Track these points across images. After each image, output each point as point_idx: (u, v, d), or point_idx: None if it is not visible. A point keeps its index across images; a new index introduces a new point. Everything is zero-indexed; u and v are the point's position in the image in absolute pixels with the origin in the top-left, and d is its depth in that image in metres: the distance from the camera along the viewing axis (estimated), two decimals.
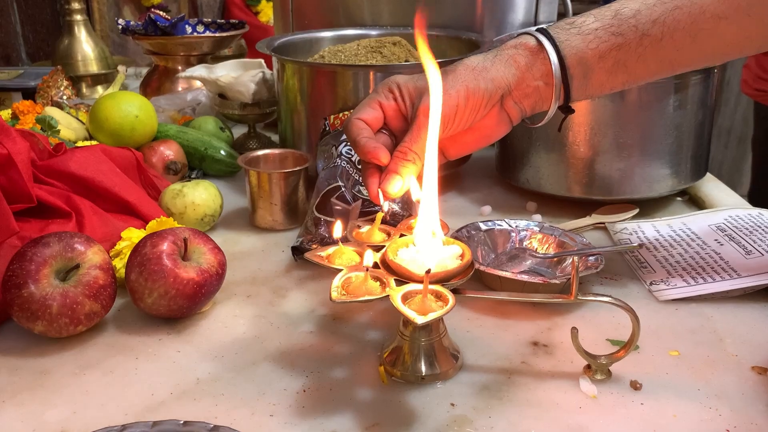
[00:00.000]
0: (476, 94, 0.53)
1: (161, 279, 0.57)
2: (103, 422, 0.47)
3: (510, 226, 0.72)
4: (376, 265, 0.51)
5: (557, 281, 0.61)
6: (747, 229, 0.74)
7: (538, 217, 0.82)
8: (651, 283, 0.67)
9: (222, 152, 0.95)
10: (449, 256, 0.51)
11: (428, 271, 0.46)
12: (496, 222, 0.73)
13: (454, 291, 0.51)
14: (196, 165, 0.95)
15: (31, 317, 0.54)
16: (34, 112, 0.98)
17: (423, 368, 0.53)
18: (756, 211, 0.78)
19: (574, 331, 0.52)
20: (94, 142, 0.89)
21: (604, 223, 0.80)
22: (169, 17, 1.11)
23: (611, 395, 0.51)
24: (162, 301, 0.58)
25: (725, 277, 0.65)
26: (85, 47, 1.41)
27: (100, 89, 1.43)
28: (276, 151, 0.83)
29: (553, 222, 0.80)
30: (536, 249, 0.70)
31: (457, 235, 0.70)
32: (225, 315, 0.62)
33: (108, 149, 0.75)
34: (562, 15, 1.09)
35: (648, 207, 0.84)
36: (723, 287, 0.64)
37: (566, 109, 0.58)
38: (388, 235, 0.56)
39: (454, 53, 0.97)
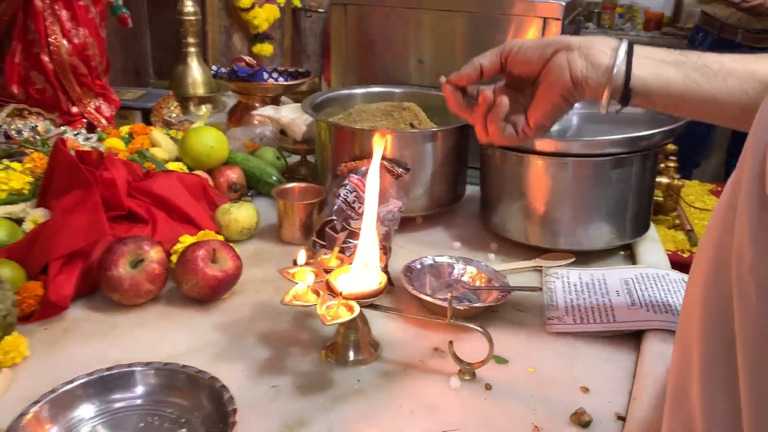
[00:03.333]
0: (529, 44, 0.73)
1: (194, 274, 0.86)
2: (147, 358, 0.76)
3: (452, 261, 0.96)
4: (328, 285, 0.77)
5: (461, 307, 0.85)
6: (647, 285, 0.93)
7: (492, 256, 1.05)
8: (548, 318, 0.88)
9: (273, 177, 1.24)
10: (373, 282, 0.77)
11: (341, 293, 0.72)
12: (445, 257, 0.97)
13: (371, 306, 0.77)
14: (253, 186, 1.25)
15: (111, 289, 0.85)
16: (144, 133, 1.32)
17: (350, 355, 0.79)
18: (664, 272, 0.97)
19: (450, 342, 0.76)
20: (180, 164, 1.21)
21: (541, 267, 1.01)
22: (251, 66, 1.43)
23: (467, 390, 0.74)
24: (194, 289, 0.87)
25: (604, 320, 0.86)
26: (195, 73, 1.76)
27: (203, 108, 1.77)
28: (302, 185, 1.11)
29: (505, 261, 1.03)
30: (467, 281, 0.94)
31: (411, 265, 0.94)
32: (237, 302, 0.90)
33: (182, 176, 1.06)
34: None
35: (591, 257, 1.04)
36: (597, 328, 0.85)
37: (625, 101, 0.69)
38: (342, 261, 0.82)
39: None
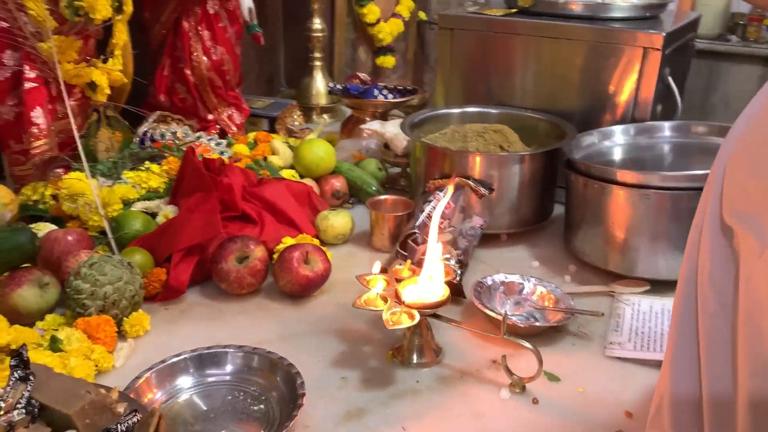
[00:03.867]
0: None
1: (289, 273, 0.99)
2: (244, 342, 0.90)
3: (523, 279, 1.02)
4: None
5: (521, 324, 0.91)
6: None
7: (568, 278, 1.09)
8: (610, 342, 0.92)
9: (373, 188, 1.35)
10: (436, 293, 0.85)
11: (403, 302, 0.81)
12: (516, 276, 1.03)
13: (434, 315, 0.85)
14: (355, 194, 1.36)
15: (220, 280, 1.00)
16: (266, 141, 1.48)
17: (414, 358, 0.88)
18: None
19: (503, 356, 0.83)
20: (293, 171, 1.35)
21: (614, 292, 1.04)
22: (365, 83, 1.55)
23: (515, 402, 0.81)
24: (288, 285, 1.00)
25: (664, 349, 0.88)
26: (319, 85, 1.92)
27: (325, 117, 1.93)
28: (394, 197, 1.21)
29: (582, 284, 1.07)
30: (535, 300, 0.99)
31: (483, 280, 1.01)
32: (324, 300, 1.02)
33: (290, 184, 1.20)
34: None
35: (667, 287, 1.05)
36: (655, 356, 0.87)
37: None
38: (413, 273, 0.91)
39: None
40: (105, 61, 1.22)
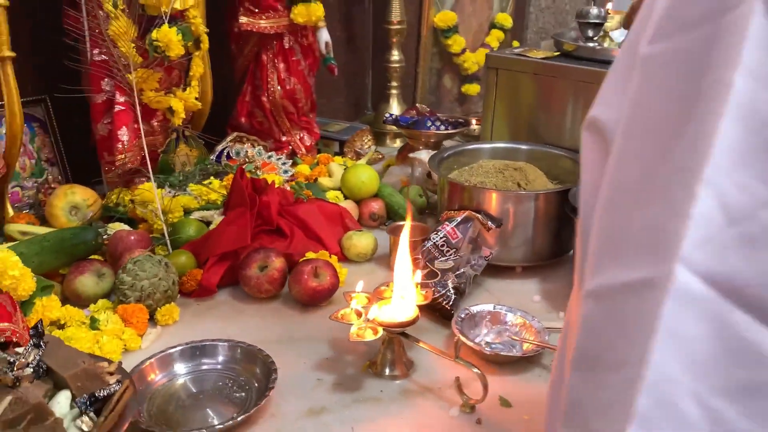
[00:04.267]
0: None
1: (299, 283, 1.13)
2: (249, 340, 1.05)
3: (508, 311, 1.08)
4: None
5: (487, 351, 0.99)
6: None
7: (562, 314, 1.14)
8: None
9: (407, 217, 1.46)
10: (406, 314, 0.95)
11: (367, 318, 0.92)
12: (504, 307, 1.09)
13: (402, 334, 0.96)
14: (392, 218, 1.48)
15: (244, 284, 1.16)
16: (325, 164, 1.64)
17: (386, 371, 0.98)
18: None
19: (457, 378, 0.92)
20: (338, 192, 1.50)
21: None
22: (422, 114, 1.66)
23: (461, 420, 0.89)
24: (298, 294, 1.14)
25: None
26: (394, 111, 2.05)
27: (398, 142, 2.06)
28: (414, 223, 1.31)
29: None
30: (516, 331, 1.06)
31: (472, 308, 1.09)
32: (329, 310, 1.14)
33: (323, 205, 1.35)
34: None
35: None
36: None
37: None
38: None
39: None
40: (184, 90, 1.43)
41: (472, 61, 2.39)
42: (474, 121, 1.82)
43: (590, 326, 0.46)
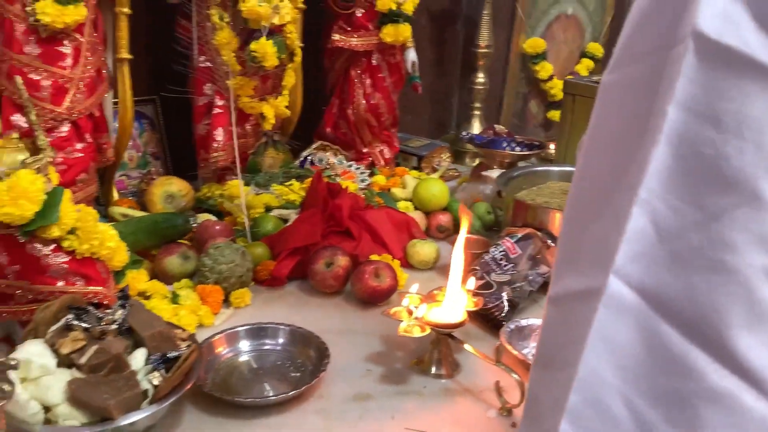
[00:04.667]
0: None
1: (360, 282, 1.21)
2: (310, 328, 1.13)
3: None
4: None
5: (530, 361, 1.02)
6: None
7: None
8: None
9: (474, 228, 1.51)
10: (454, 318, 1.01)
11: (416, 316, 0.99)
12: None
13: (449, 335, 1.01)
14: (458, 231, 1.53)
15: (311, 278, 1.25)
16: (400, 176, 1.72)
17: (432, 369, 1.04)
18: None
19: (498, 382, 0.96)
20: (409, 203, 1.57)
21: None
22: (499, 134, 1.72)
23: (497, 422, 0.93)
24: (358, 292, 1.22)
25: None
26: (474, 131, 2.11)
27: (476, 161, 2.11)
28: (477, 237, 1.37)
29: None
30: None
31: (523, 321, 1.13)
32: (385, 307, 1.22)
33: (391, 212, 1.42)
34: None
35: None
36: None
37: None
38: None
39: None
40: (276, 98, 1.56)
41: (559, 88, 2.41)
42: (551, 145, 1.85)
43: (548, 329, 0.50)
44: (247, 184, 1.51)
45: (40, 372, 0.78)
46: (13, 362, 0.65)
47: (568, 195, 0.51)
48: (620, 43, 0.47)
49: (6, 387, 0.62)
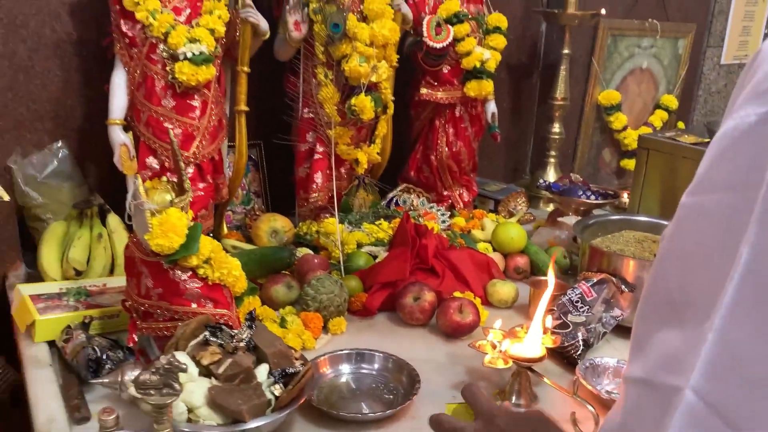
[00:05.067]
0: None
1: (444, 316, 1.33)
2: (399, 356, 1.25)
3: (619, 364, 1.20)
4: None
5: (605, 396, 1.11)
6: None
7: None
8: None
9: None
10: (534, 352, 1.11)
11: (500, 350, 1.10)
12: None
13: (529, 369, 1.12)
14: (535, 273, 1.64)
15: (399, 310, 1.38)
16: (479, 218, 1.84)
17: (513, 399, 1.15)
18: None
19: (573, 413, 1.06)
20: (488, 245, 1.69)
21: None
22: (575, 183, 1.82)
23: None
24: (443, 326, 1.34)
25: None
26: (549, 179, 2.22)
27: (550, 206, 2.21)
28: (553, 278, 1.46)
29: None
30: None
31: (597, 359, 1.22)
32: (468, 341, 1.33)
33: (473, 253, 1.54)
34: None
35: None
36: None
37: None
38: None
39: None
40: (369, 145, 1.72)
41: (633, 138, 2.49)
42: (625, 194, 1.94)
43: (622, 405, 0.55)
44: (341, 222, 1.67)
45: (187, 378, 0.94)
46: (183, 366, 0.81)
47: (644, 287, 0.56)
48: (701, 168, 0.51)
49: (176, 385, 0.77)
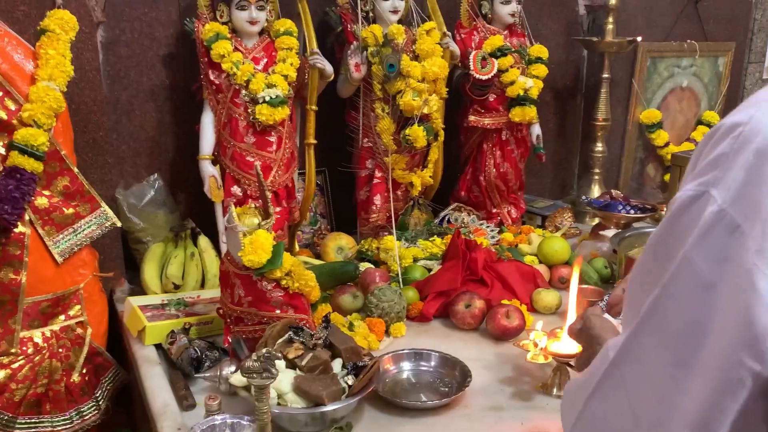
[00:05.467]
0: None
1: (493, 321, 1.50)
2: (453, 354, 1.43)
3: None
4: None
5: None
6: None
7: None
8: None
9: (592, 281, 1.76)
10: (570, 349, 1.27)
11: (539, 347, 1.26)
12: None
13: (567, 364, 1.28)
14: (582, 282, 1.78)
15: (452, 316, 1.56)
16: (526, 233, 2.00)
17: (555, 390, 1.30)
18: None
19: None
20: (533, 257, 1.85)
21: None
22: (616, 198, 1.96)
23: None
24: (491, 330, 1.51)
25: None
26: (594, 194, 2.36)
27: (596, 220, 2.35)
28: (594, 288, 1.62)
29: None
30: None
31: None
32: (514, 341, 1.50)
33: (520, 266, 1.71)
34: None
35: None
36: None
37: None
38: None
39: None
40: (422, 170, 1.91)
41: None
42: (665, 208, 2.06)
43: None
44: (398, 239, 1.86)
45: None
46: (278, 355, 1.01)
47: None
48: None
49: (274, 371, 0.97)
